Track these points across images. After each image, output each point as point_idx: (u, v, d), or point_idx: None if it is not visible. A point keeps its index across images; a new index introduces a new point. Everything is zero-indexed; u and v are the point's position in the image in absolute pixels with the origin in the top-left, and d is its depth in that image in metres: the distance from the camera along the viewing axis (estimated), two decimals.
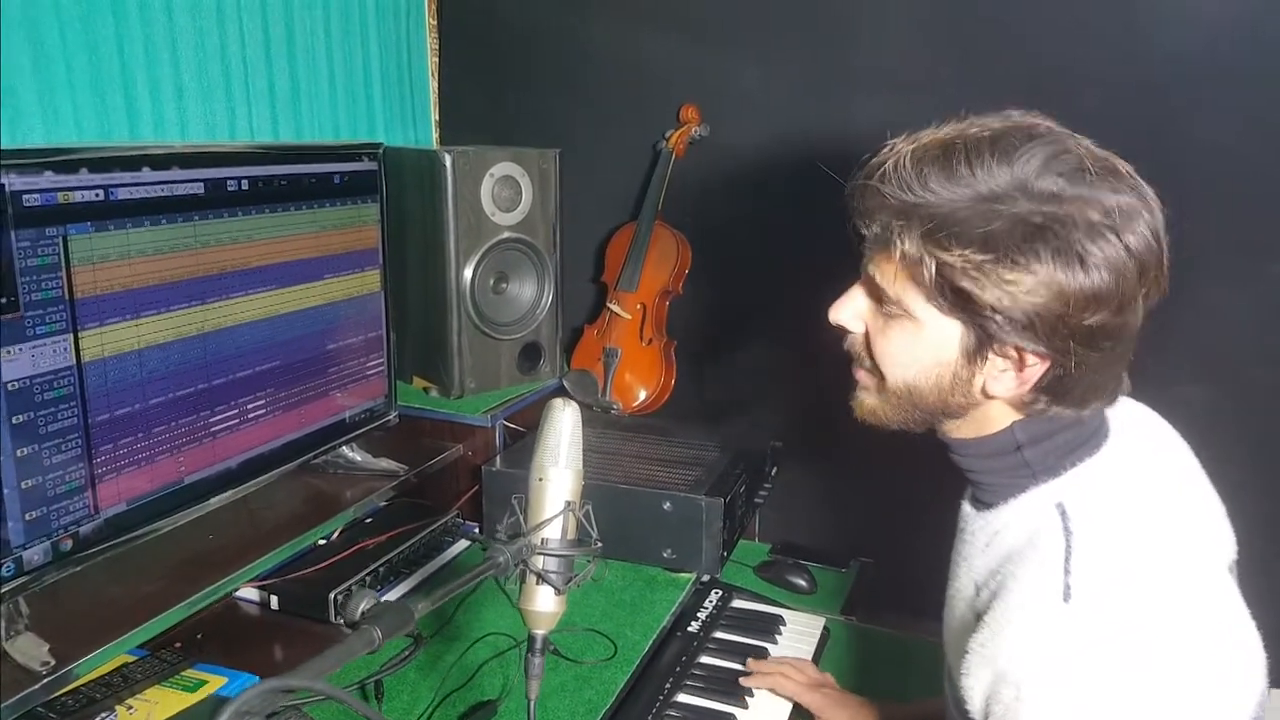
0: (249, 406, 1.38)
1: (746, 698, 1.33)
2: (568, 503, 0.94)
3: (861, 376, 0.98)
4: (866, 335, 0.95)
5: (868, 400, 0.98)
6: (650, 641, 1.38)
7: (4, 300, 1.02)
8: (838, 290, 0.96)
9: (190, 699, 1.21)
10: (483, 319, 1.80)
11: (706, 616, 1.54)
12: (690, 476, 1.63)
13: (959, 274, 0.82)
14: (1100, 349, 0.83)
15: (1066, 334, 0.81)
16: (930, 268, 0.83)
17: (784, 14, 1.86)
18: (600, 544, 0.97)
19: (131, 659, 1.27)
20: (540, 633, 0.95)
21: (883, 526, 1.91)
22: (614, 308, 1.98)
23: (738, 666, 1.40)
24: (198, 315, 1.28)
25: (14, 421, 1.05)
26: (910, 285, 0.87)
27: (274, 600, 1.43)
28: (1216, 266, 1.55)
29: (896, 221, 0.84)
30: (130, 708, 1.19)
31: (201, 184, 1.26)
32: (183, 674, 1.26)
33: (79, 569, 1.14)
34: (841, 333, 0.97)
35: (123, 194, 1.16)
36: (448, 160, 1.71)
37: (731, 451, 1.75)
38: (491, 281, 1.83)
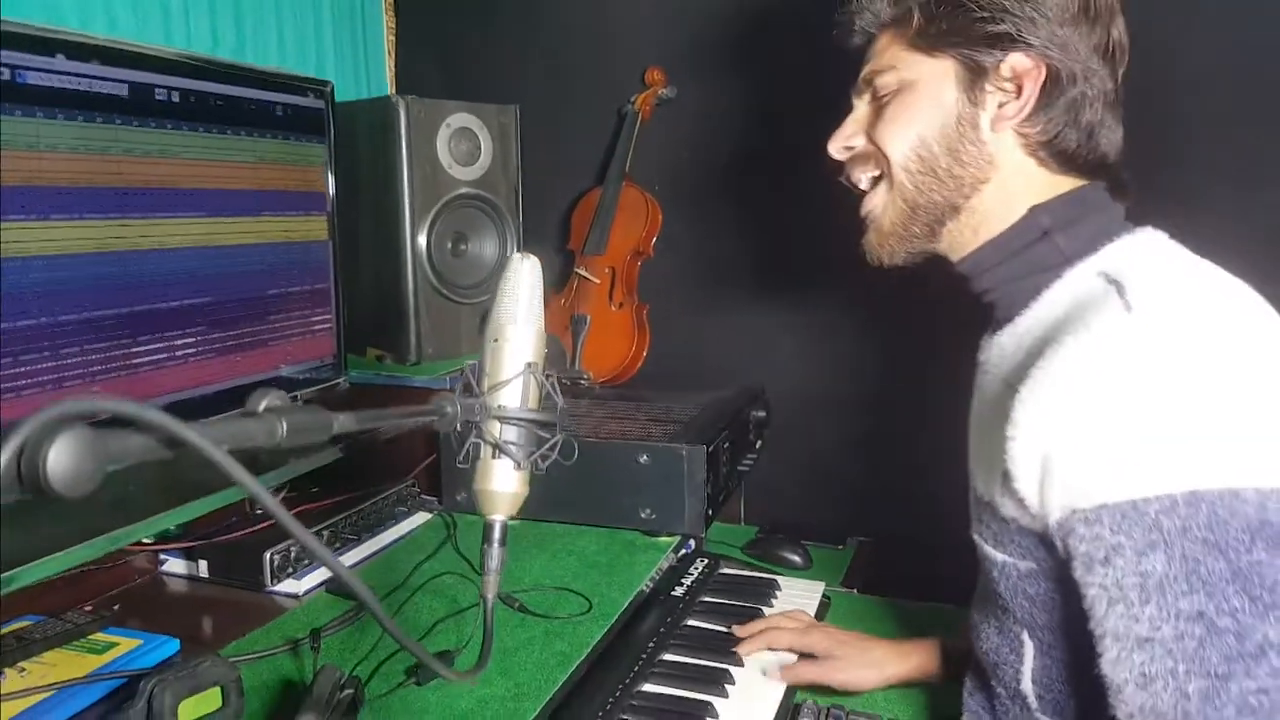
0: (176, 343, 1.23)
1: (743, 658, 1.18)
2: (529, 364, 0.81)
3: (869, 200, 0.97)
4: (870, 139, 0.94)
5: (880, 219, 0.95)
6: (629, 599, 1.23)
7: None
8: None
9: (95, 661, 1.04)
10: (441, 281, 1.68)
11: (692, 582, 1.39)
12: (668, 431, 1.49)
13: None
14: (1082, 57, 0.85)
15: (1050, 31, 0.84)
16: (917, 9, 0.89)
17: None
18: (566, 422, 0.83)
19: (29, 624, 1.10)
20: (499, 518, 0.81)
21: (881, 505, 1.78)
22: (581, 272, 1.86)
23: (728, 630, 1.25)
24: (116, 229, 1.14)
25: None
26: (897, 46, 0.91)
27: (202, 565, 1.27)
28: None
29: None
30: (22, 670, 1.02)
31: (125, 85, 1.14)
32: (90, 637, 1.09)
33: None
34: (840, 170, 0.99)
35: (32, 78, 1.03)
36: (401, 107, 1.60)
37: (713, 410, 1.62)
38: (450, 242, 1.71)
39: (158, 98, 1.19)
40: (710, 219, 1.89)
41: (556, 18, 1.94)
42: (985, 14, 0.86)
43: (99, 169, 1.11)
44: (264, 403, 0.54)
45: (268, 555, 1.22)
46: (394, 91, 2.01)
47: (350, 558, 1.33)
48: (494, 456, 0.79)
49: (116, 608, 1.19)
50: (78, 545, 1.06)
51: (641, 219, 1.87)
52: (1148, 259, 0.82)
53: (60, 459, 0.37)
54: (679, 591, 1.35)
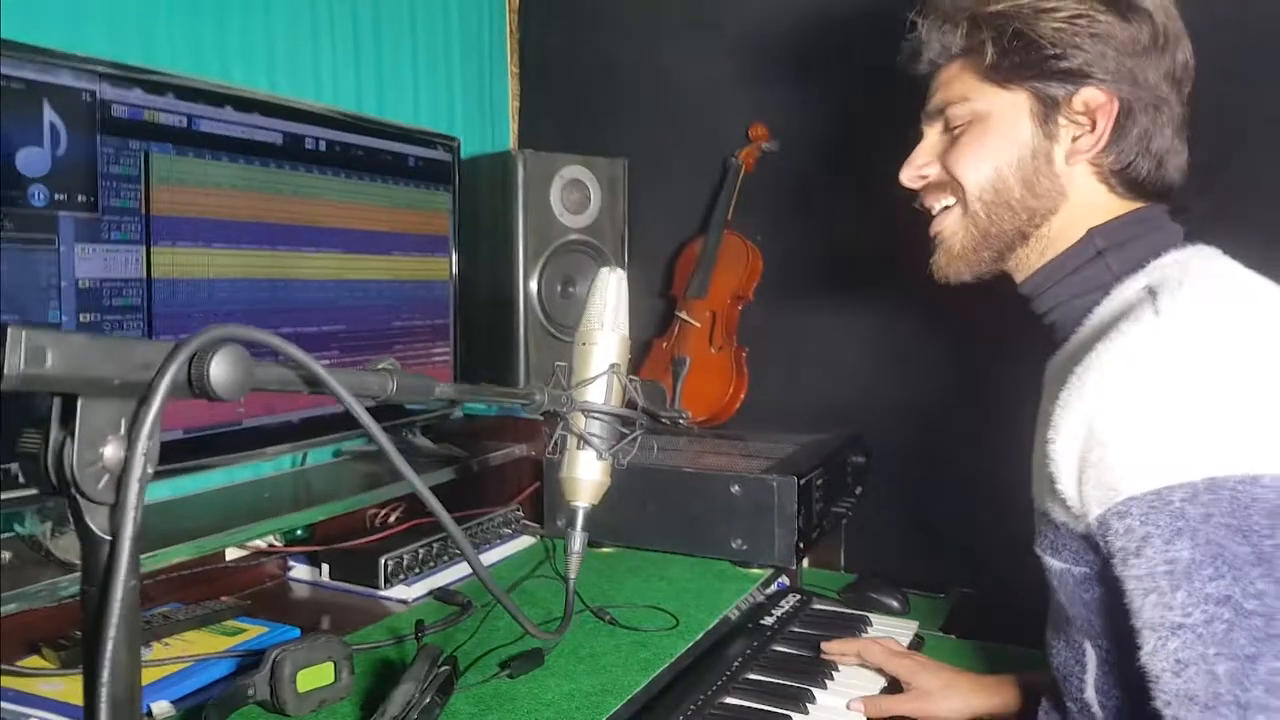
0: None
1: (826, 680, 1.20)
2: (613, 365, 0.89)
3: (940, 221, 0.99)
4: (945, 168, 0.98)
5: (951, 242, 0.98)
6: (715, 620, 1.27)
7: (84, 199, 1.06)
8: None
9: (227, 641, 1.15)
10: (550, 320, 1.79)
11: (782, 614, 1.41)
12: (761, 466, 1.54)
13: (1011, 20, 0.88)
14: (1151, 86, 0.87)
15: (1120, 66, 0.87)
16: (988, 33, 0.90)
17: (846, 41, 1.87)
18: (644, 421, 0.91)
19: (173, 609, 1.23)
20: (582, 505, 0.88)
21: (986, 556, 1.76)
22: (683, 316, 1.94)
23: (815, 656, 1.27)
24: (267, 259, 1.30)
25: (81, 319, 1.06)
26: (970, 77, 0.94)
27: (325, 568, 1.38)
28: None
29: (954, 17, 0.92)
30: (166, 644, 1.14)
31: (280, 134, 1.31)
32: (224, 623, 1.21)
33: None
34: (914, 195, 1.02)
35: (205, 126, 1.20)
36: (519, 160, 1.74)
37: (809, 450, 1.65)
38: (559, 284, 1.83)
39: (307, 146, 1.35)
40: (810, 267, 1.95)
41: (668, 77, 2.06)
42: (1058, 50, 0.88)
43: (256, 205, 1.27)
44: (383, 364, 0.63)
45: (383, 560, 1.32)
46: (515, 146, 2.16)
47: (456, 572, 1.42)
48: (579, 447, 0.87)
49: (249, 602, 1.31)
50: (217, 534, 1.18)
51: (742, 265, 1.94)
52: (1189, 269, 0.84)
53: (221, 367, 0.46)
54: (768, 621, 1.38)
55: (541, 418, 0.85)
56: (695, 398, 1.93)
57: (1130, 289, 0.86)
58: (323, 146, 1.37)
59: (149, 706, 0.97)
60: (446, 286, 1.64)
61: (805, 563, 1.82)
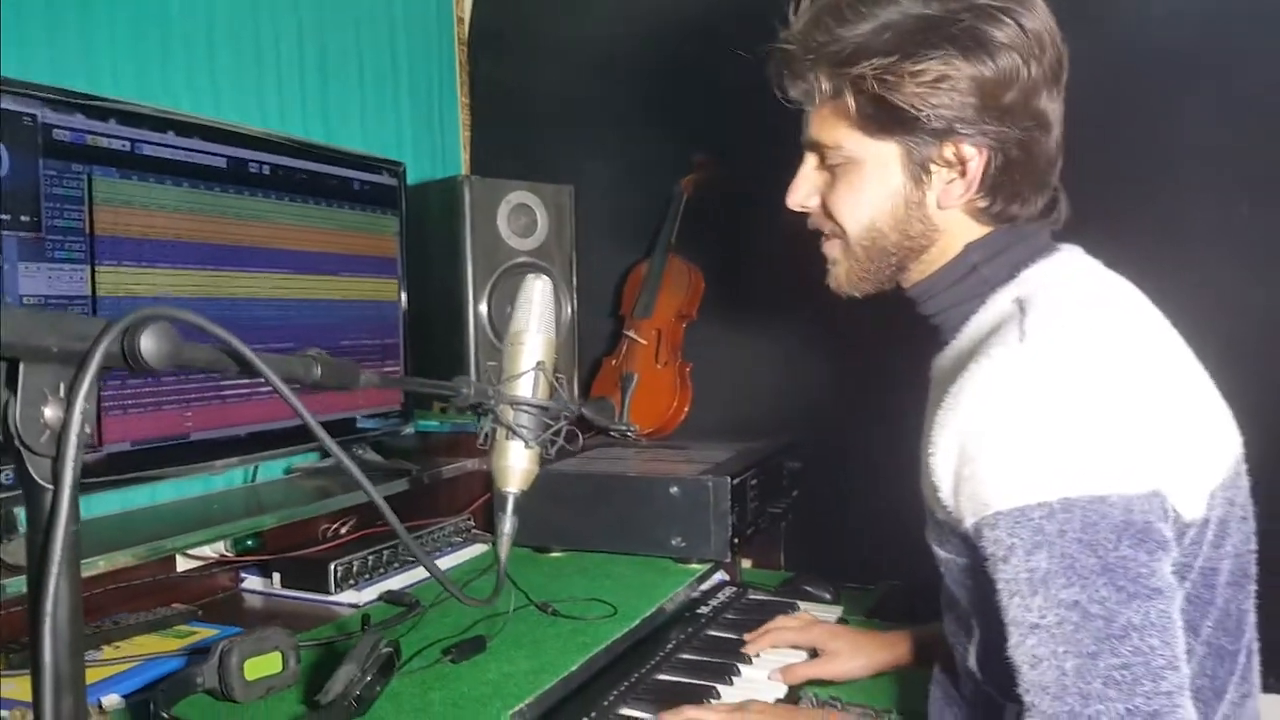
0: (260, 382, 1.41)
1: (752, 657, 1.27)
2: (539, 363, 0.95)
3: (828, 248, 1.04)
4: (823, 205, 1.01)
5: (839, 268, 1.03)
6: (653, 608, 1.33)
7: (27, 218, 1.11)
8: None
9: (177, 643, 1.19)
10: (500, 339, 1.85)
11: (717, 604, 1.48)
12: (700, 469, 1.61)
13: (874, 84, 0.89)
14: (1022, 127, 0.90)
15: (987, 115, 0.88)
16: (849, 91, 0.92)
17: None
18: (570, 412, 0.97)
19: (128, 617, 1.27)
20: (511, 490, 0.94)
21: (910, 549, 1.83)
22: (630, 334, 2.01)
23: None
24: (212, 278, 1.35)
25: None
26: (840, 123, 0.95)
27: (276, 577, 1.42)
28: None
29: (811, 68, 0.94)
30: (117, 647, 1.18)
31: (224, 159, 1.37)
32: (174, 627, 1.25)
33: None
34: (806, 216, 1.04)
35: (148, 150, 1.26)
36: (466, 186, 1.82)
37: (745, 456, 1.73)
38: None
39: (251, 170, 1.41)
40: (750, 286, 2.03)
41: (615, 107, 2.15)
42: (922, 111, 0.89)
43: (201, 227, 1.33)
44: (311, 351, 0.69)
45: (333, 566, 1.37)
46: (467, 172, 2.24)
47: (408, 577, 1.47)
48: (507, 437, 0.93)
49: (200, 612, 1.34)
50: (166, 539, 1.23)
51: (685, 285, 2.03)
52: (1054, 283, 0.91)
53: (150, 341, 0.52)
54: (704, 610, 1.44)
55: (480, 416, 0.91)
56: (642, 412, 2.01)
57: (1004, 299, 0.93)
58: (266, 171, 1.43)
59: (99, 700, 1.01)
60: (395, 307, 1.70)
61: (748, 564, 1.89)
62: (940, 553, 0.96)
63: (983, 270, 0.95)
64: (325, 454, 1.74)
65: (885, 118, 0.91)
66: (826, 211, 1.00)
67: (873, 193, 0.95)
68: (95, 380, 0.51)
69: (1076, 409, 0.80)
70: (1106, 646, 0.75)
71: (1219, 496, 0.87)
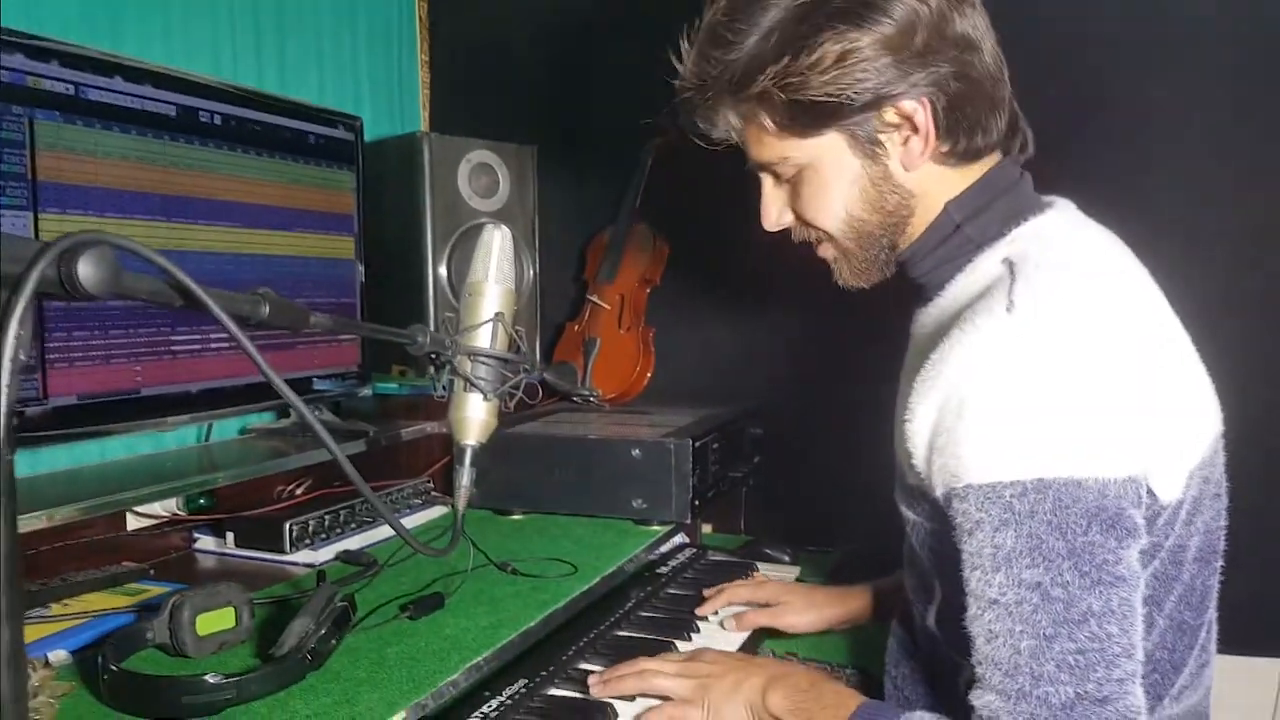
0: (212, 336, 1.39)
1: (709, 616, 1.27)
2: (498, 314, 0.94)
3: (822, 251, 1.02)
4: (798, 215, 1.00)
5: (840, 267, 1.02)
6: (613, 567, 1.33)
7: None
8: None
9: (127, 601, 1.17)
10: (460, 300, 1.82)
11: (677, 564, 1.48)
12: (661, 433, 1.60)
13: (779, 93, 0.88)
14: (949, 59, 0.87)
15: (909, 66, 0.86)
16: (761, 110, 0.91)
17: None
18: (530, 365, 0.96)
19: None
20: (469, 443, 0.93)
21: (870, 514, 1.85)
22: (594, 299, 2.00)
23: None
24: (163, 230, 1.31)
25: None
26: (772, 139, 0.94)
27: (230, 537, 1.39)
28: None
29: (714, 106, 0.93)
30: (65, 604, 1.15)
31: (174, 107, 1.33)
32: (125, 585, 1.23)
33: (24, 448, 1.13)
34: (792, 234, 1.03)
35: (93, 95, 1.21)
36: (425, 143, 1.78)
37: (707, 420, 1.73)
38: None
39: (201, 119, 1.37)
40: (715, 252, 2.02)
41: (581, 68, 2.12)
42: (839, 97, 0.87)
43: (150, 176, 1.29)
44: (260, 290, 0.67)
45: (288, 525, 1.34)
46: (427, 129, 2.19)
47: (365, 538, 1.45)
48: (465, 389, 0.92)
49: (152, 570, 1.32)
50: (116, 494, 1.20)
51: (649, 251, 2.01)
52: (1046, 246, 0.88)
53: (88, 266, 0.50)
54: (664, 570, 1.44)
55: (438, 367, 0.89)
56: (605, 377, 1.99)
57: (992, 259, 0.91)
58: (218, 120, 1.39)
59: (46, 655, 0.98)
60: (352, 265, 1.67)
61: (708, 528, 1.90)
62: (908, 514, 0.96)
63: (967, 229, 0.93)
64: (281, 415, 1.71)
65: (809, 117, 0.89)
66: (803, 221, 0.99)
67: (836, 187, 0.94)
68: (30, 303, 0.49)
69: (1060, 388, 0.78)
70: (1064, 630, 0.75)
71: (1196, 476, 0.87)
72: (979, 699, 0.79)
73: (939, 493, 0.84)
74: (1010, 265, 0.86)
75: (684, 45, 0.96)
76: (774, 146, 0.94)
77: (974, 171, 0.95)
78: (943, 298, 0.95)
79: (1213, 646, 0.98)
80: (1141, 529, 0.79)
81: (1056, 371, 0.79)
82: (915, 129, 0.90)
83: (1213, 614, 0.96)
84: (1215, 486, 0.92)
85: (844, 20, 0.85)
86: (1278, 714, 1.63)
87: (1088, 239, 0.92)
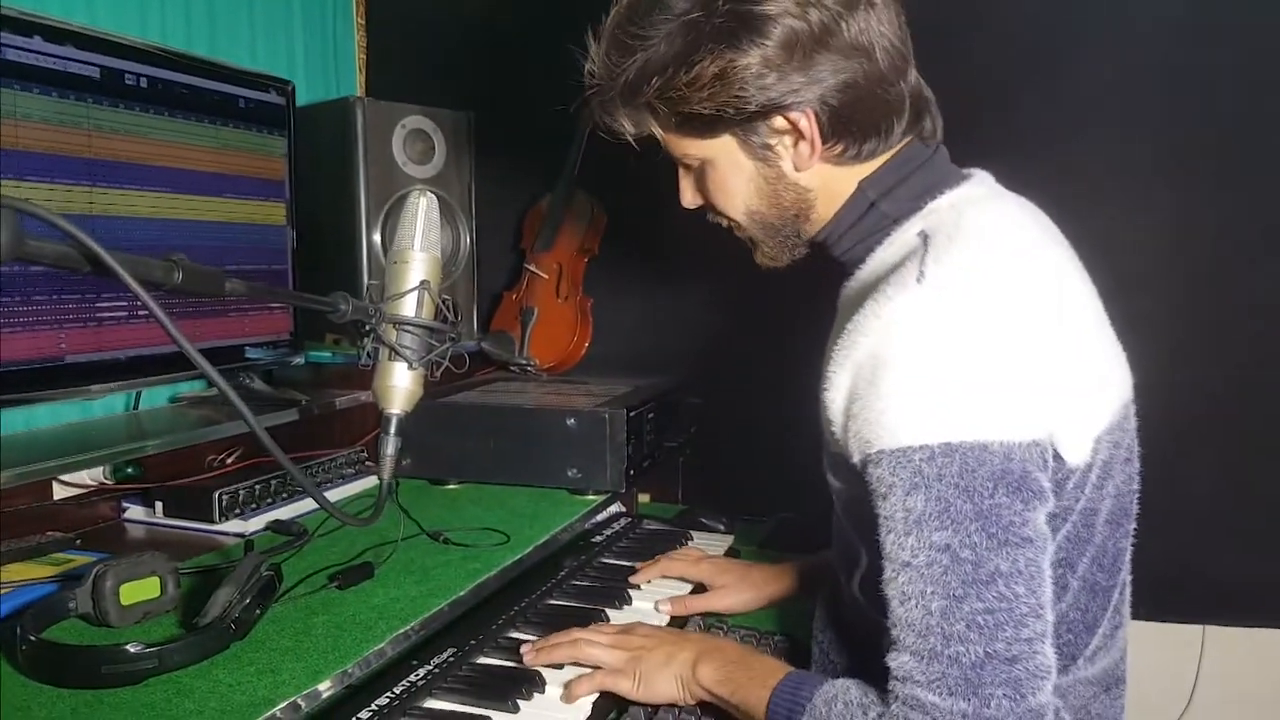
0: (137, 303, 1.36)
1: (641, 585, 1.29)
2: (423, 282, 0.94)
3: (739, 233, 1.06)
4: (707, 204, 1.05)
5: (756, 250, 1.07)
6: (546, 536, 1.34)
7: None
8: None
9: (51, 570, 1.16)
10: None
11: (611, 533, 1.50)
12: (598, 402, 1.62)
13: (662, 104, 0.92)
14: (833, 73, 0.89)
15: (790, 81, 0.88)
16: (651, 116, 0.96)
17: None
18: (456, 335, 0.96)
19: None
20: (394, 412, 0.93)
21: (807, 484, 1.89)
22: (531, 268, 2.00)
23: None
24: (85, 195, 1.28)
25: None
26: (672, 138, 0.98)
27: (158, 507, 1.38)
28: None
29: (611, 107, 0.97)
30: None
31: (97, 69, 1.29)
32: (50, 555, 1.21)
33: None
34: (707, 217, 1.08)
35: (11, 55, 1.18)
36: (358, 108, 1.76)
37: (644, 390, 1.74)
38: None
39: (127, 82, 1.33)
40: (654, 222, 2.02)
41: (518, 34, 2.10)
42: (723, 111, 0.90)
43: (73, 140, 1.26)
44: (173, 255, 0.67)
45: (217, 494, 1.33)
46: (362, 95, 2.16)
47: (300, 507, 1.44)
48: (390, 358, 0.92)
49: (79, 541, 1.30)
50: (39, 463, 1.18)
51: (586, 219, 2.01)
52: (961, 219, 0.90)
53: None
54: (599, 539, 1.46)
55: (362, 330, 0.89)
56: (543, 346, 2.00)
57: (909, 232, 0.93)
58: (144, 84, 1.36)
59: None
60: (283, 232, 1.65)
61: (645, 498, 1.92)
62: (833, 481, 0.99)
63: (882, 205, 0.95)
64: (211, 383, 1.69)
65: (698, 124, 0.93)
66: (713, 207, 1.03)
67: (733, 183, 0.99)
68: None
69: (966, 356, 0.81)
70: (973, 591, 0.78)
71: (1104, 440, 0.90)
72: (894, 660, 0.82)
73: (856, 459, 0.86)
74: (924, 237, 0.89)
75: (590, 43, 0.98)
76: (674, 144, 0.99)
77: (876, 160, 0.97)
78: (863, 270, 0.98)
79: (1126, 610, 1.02)
80: (1048, 492, 0.82)
81: (963, 340, 0.81)
82: (804, 138, 0.93)
83: (1126, 576, 0.99)
84: (1126, 451, 0.95)
85: (723, 40, 0.88)
86: (1199, 678, 1.70)
87: (1001, 210, 0.94)
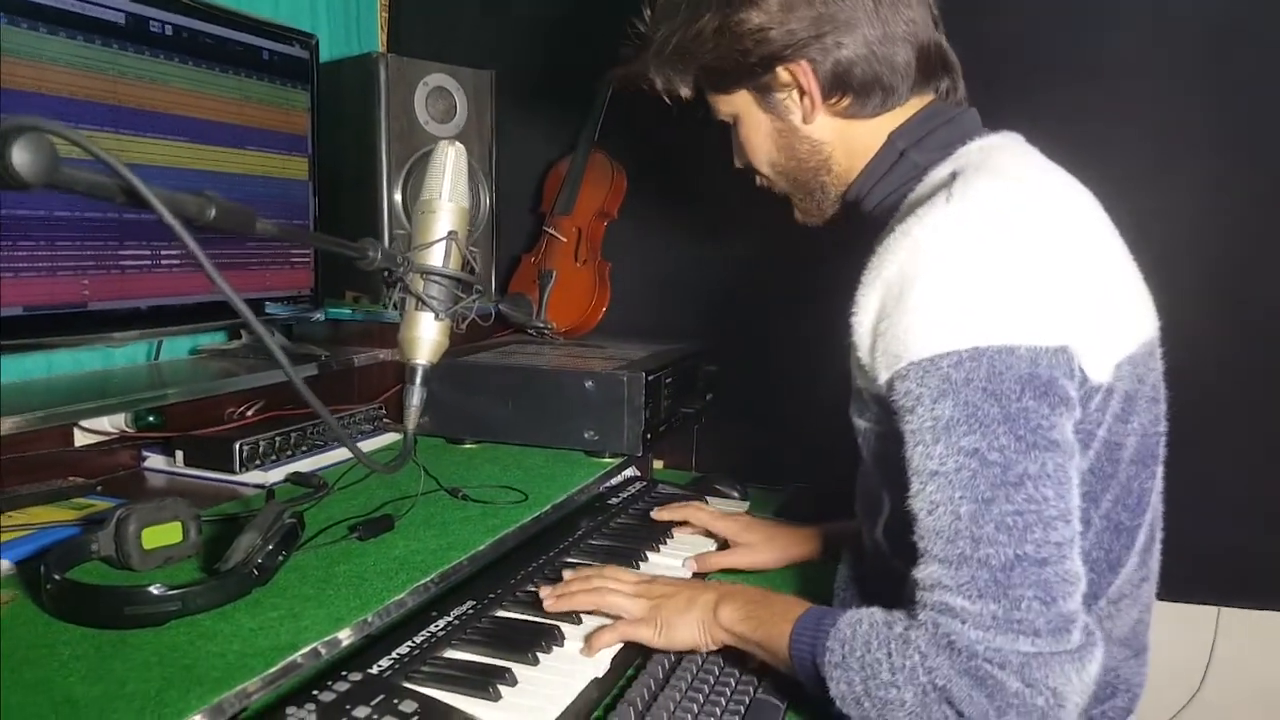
0: (162, 252, 1.36)
1: (660, 545, 1.29)
2: (451, 232, 0.93)
3: (777, 191, 1.12)
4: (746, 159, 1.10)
5: (794, 207, 1.12)
6: (564, 496, 1.34)
7: None
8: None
9: (73, 515, 1.16)
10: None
11: (627, 496, 1.50)
12: (616, 365, 1.61)
13: (677, 62, 1.02)
14: (830, 25, 0.94)
15: (783, 33, 0.95)
16: (675, 73, 1.04)
17: None
18: (483, 287, 0.96)
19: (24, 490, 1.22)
20: (420, 362, 0.93)
21: (823, 455, 1.88)
22: (550, 231, 1.99)
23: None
24: (110, 141, 1.28)
25: None
26: (710, 97, 1.06)
27: (179, 456, 1.38)
28: None
29: (653, 67, 1.06)
30: (10, 517, 1.14)
31: (123, 14, 1.28)
32: (71, 500, 1.22)
33: None
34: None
35: None
36: (381, 64, 1.74)
37: (661, 355, 1.74)
38: None
39: (152, 29, 1.32)
40: (675, 186, 2.02)
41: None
42: (727, 64, 0.99)
43: (95, 85, 1.25)
44: (206, 191, 0.66)
45: (238, 445, 1.34)
46: (384, 51, 2.15)
47: (319, 460, 1.45)
48: (416, 308, 0.91)
49: (99, 487, 1.31)
50: (62, 407, 1.18)
51: (607, 183, 1.99)
52: (991, 155, 0.93)
53: (23, 152, 0.49)
54: (615, 501, 1.46)
55: (384, 280, 0.89)
56: (560, 310, 1.99)
57: (939, 174, 0.95)
58: (169, 31, 1.35)
59: None
60: (305, 187, 1.64)
61: (659, 464, 1.92)
62: (860, 423, 0.99)
63: (912, 155, 0.98)
64: (232, 336, 1.69)
65: (715, 78, 1.02)
66: (746, 164, 1.10)
67: (756, 137, 1.05)
68: None
69: (991, 263, 0.81)
70: (1001, 493, 0.78)
71: (1126, 369, 0.89)
72: (922, 571, 0.82)
73: (883, 380, 0.86)
74: (955, 174, 0.90)
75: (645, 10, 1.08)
76: (713, 101, 1.07)
77: (909, 107, 1.01)
78: (895, 219, 0.97)
79: (1154, 564, 1.00)
80: (1074, 400, 0.82)
81: (989, 250, 0.82)
82: (806, 92, 0.98)
83: (1155, 523, 0.99)
84: (1151, 390, 0.94)
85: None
86: (1213, 658, 1.70)
87: (1030, 156, 0.97)
